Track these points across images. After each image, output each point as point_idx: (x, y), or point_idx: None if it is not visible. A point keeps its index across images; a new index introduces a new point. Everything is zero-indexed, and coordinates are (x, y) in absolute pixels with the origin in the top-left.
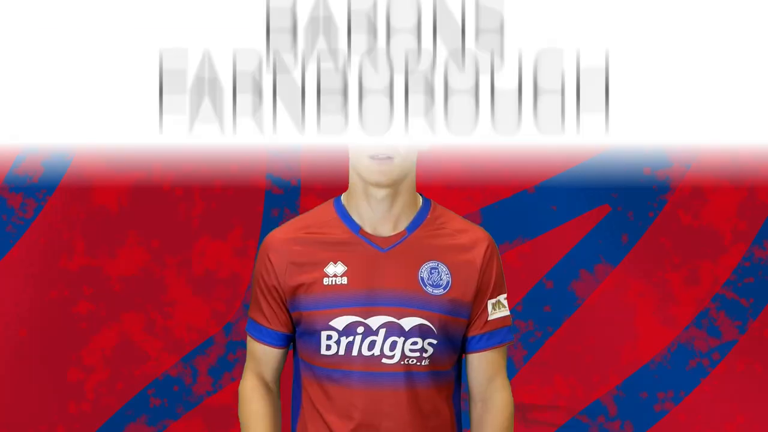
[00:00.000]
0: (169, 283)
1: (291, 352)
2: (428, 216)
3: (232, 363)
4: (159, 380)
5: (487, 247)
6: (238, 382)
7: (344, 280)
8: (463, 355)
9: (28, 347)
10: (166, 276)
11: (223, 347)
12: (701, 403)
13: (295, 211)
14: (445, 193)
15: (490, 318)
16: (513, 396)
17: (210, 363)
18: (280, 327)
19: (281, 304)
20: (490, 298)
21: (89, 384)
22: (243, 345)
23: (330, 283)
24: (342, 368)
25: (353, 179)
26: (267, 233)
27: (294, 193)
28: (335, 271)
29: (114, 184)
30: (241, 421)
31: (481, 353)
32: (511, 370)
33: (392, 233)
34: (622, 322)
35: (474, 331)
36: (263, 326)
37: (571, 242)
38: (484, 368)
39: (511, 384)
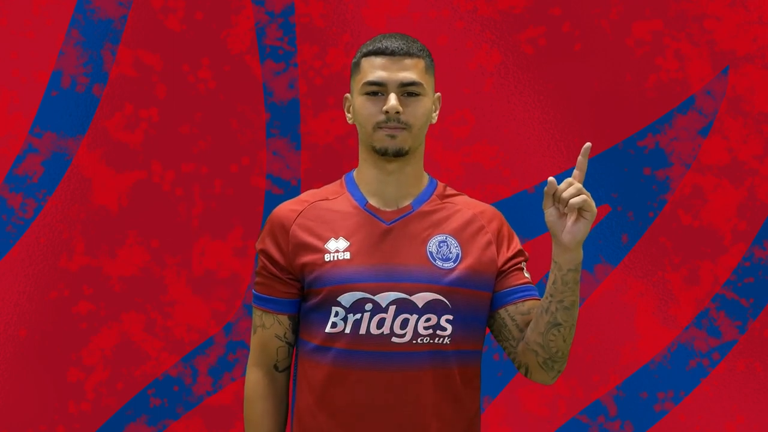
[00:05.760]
0: (169, 283)
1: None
2: (435, 192)
3: (232, 363)
4: (159, 380)
5: (498, 219)
6: (238, 382)
7: (347, 255)
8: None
9: (28, 347)
10: (166, 276)
11: (223, 347)
12: (701, 403)
13: None
14: None
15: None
16: (513, 394)
17: (210, 363)
18: (289, 295)
19: (289, 278)
20: (518, 264)
21: (89, 384)
22: (243, 345)
23: (332, 259)
24: (348, 348)
25: (363, 154)
26: None
27: (294, 193)
28: (337, 246)
29: (114, 184)
30: (245, 420)
31: (521, 302)
32: (511, 370)
33: (398, 207)
34: (622, 322)
35: (507, 285)
36: (271, 296)
37: None
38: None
39: (511, 384)
